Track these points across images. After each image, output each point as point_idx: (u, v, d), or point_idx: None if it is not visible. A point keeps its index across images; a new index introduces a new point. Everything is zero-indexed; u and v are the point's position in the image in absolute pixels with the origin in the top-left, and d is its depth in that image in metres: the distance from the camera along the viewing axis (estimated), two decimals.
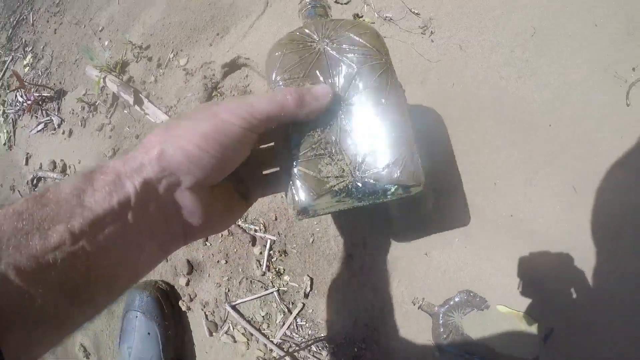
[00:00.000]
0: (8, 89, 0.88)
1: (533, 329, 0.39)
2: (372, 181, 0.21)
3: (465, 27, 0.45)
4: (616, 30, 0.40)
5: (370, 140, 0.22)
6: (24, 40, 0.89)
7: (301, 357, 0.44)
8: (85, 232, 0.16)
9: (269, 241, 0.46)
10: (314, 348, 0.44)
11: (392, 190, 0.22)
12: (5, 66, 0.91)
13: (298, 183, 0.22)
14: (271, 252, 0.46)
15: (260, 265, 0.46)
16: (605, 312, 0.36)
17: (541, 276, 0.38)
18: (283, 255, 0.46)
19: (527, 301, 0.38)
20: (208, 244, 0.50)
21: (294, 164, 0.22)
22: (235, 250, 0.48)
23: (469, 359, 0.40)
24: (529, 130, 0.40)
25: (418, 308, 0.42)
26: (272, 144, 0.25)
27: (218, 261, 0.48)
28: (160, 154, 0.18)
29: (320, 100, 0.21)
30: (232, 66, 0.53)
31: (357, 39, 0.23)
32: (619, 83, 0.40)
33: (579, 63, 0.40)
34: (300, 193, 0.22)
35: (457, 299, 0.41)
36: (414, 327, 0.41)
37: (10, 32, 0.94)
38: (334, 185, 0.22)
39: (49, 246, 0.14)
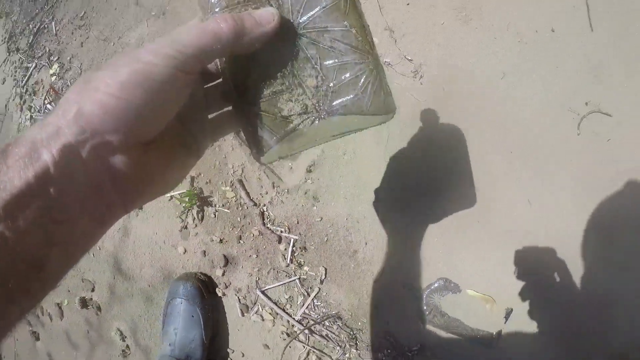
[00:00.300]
0: (34, 95, 0.95)
1: (497, 309, 0.53)
2: (339, 116, 0.19)
3: (448, 72, 0.58)
4: (574, 71, 0.53)
5: (332, 68, 0.19)
6: (47, 49, 0.96)
7: (317, 330, 0.58)
8: (0, 217, 0.14)
9: (292, 240, 0.59)
10: (326, 323, 0.57)
11: (363, 120, 0.20)
12: (29, 72, 0.98)
13: (257, 127, 0.19)
14: (294, 248, 0.59)
15: (285, 258, 0.59)
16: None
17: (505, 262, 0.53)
18: (303, 251, 0.59)
19: (491, 286, 0.53)
20: (242, 241, 0.62)
21: (249, 105, 0.19)
22: (264, 247, 0.61)
23: (446, 331, 0.54)
24: (495, 154, 0.54)
25: (407, 290, 0.56)
26: (219, 80, 0.22)
27: (250, 255, 0.61)
28: (77, 112, 0.15)
29: (264, 25, 0.18)
30: None
31: None
32: (572, 115, 0.53)
33: (539, 100, 0.53)
34: (261, 137, 0.19)
35: (436, 285, 0.55)
36: (404, 305, 0.55)
37: (31, 39, 1.00)
38: (299, 124, 0.19)
39: None
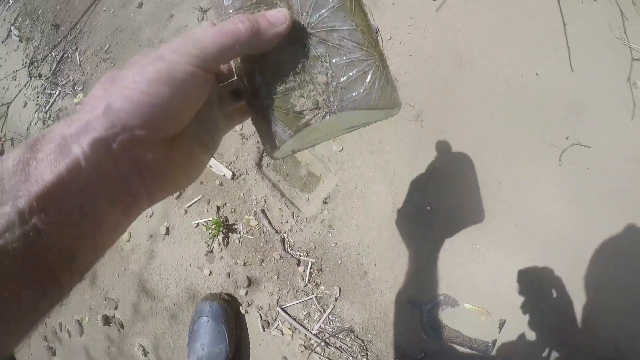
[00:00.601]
0: (57, 121, 1.02)
1: (491, 320, 0.62)
2: (349, 110, 0.20)
3: (446, 116, 0.69)
4: (556, 108, 0.63)
5: (341, 65, 0.20)
6: (71, 78, 1.03)
7: (331, 343, 0.66)
8: (34, 209, 0.14)
9: (309, 263, 0.68)
10: (340, 336, 0.66)
11: (371, 114, 0.22)
12: (53, 99, 1.05)
13: (271, 122, 0.21)
14: (311, 270, 0.68)
15: (303, 279, 0.68)
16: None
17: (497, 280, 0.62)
18: (320, 272, 0.68)
19: (486, 300, 0.62)
20: (264, 264, 0.71)
21: (263, 102, 0.21)
22: (284, 269, 0.69)
23: (446, 341, 0.63)
24: (484, 186, 0.65)
25: (411, 306, 0.65)
26: (233, 79, 0.23)
27: (271, 277, 0.70)
28: (106, 108, 0.16)
29: (277, 25, 0.20)
30: None
31: None
32: (554, 149, 0.64)
33: (524, 135, 0.64)
34: (275, 132, 0.21)
35: (437, 300, 0.65)
36: (408, 319, 0.64)
37: (54, 67, 1.07)
38: (311, 119, 0.20)
39: None
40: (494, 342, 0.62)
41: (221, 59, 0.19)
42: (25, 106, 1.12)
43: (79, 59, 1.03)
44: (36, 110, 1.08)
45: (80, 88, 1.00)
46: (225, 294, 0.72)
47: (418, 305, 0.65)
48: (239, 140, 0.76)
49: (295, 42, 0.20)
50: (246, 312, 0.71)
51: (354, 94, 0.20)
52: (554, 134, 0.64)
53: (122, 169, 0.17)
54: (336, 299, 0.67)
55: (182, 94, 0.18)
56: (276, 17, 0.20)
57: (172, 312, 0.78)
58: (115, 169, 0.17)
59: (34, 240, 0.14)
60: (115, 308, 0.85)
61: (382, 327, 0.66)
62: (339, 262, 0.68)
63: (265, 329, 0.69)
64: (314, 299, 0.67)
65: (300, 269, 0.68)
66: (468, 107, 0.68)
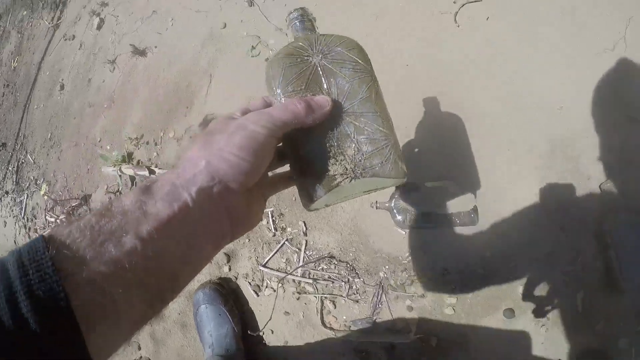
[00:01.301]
0: (35, 218, 1.20)
1: (460, 190, 0.66)
2: (369, 177, 0.28)
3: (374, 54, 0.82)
4: None
5: (365, 142, 0.28)
6: (31, 177, 1.23)
7: (319, 277, 0.74)
8: (153, 237, 0.20)
9: (269, 212, 0.78)
10: (324, 266, 0.74)
11: (385, 181, 0.29)
12: (24, 204, 1.24)
13: (310, 181, 0.28)
14: (273, 218, 0.78)
15: (270, 229, 0.78)
16: None
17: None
18: (281, 216, 0.78)
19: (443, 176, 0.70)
20: None
21: (305, 166, 0.28)
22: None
23: (425, 225, 0.68)
24: (398, 69, 0.75)
25: (376, 209, 0.73)
26: (279, 144, 0.30)
27: (243, 243, 0.80)
28: (207, 165, 0.23)
29: (323, 108, 0.27)
30: (205, 122, 0.90)
31: (347, 54, 0.30)
32: (446, 15, 0.73)
33: (419, 15, 0.73)
34: (312, 190, 0.28)
35: (398, 193, 0.72)
36: (380, 221, 0.72)
37: (16, 177, 1.28)
38: (340, 182, 0.27)
39: (124, 251, 0.19)
40: (475, 208, 0.65)
41: (285, 129, 0.26)
42: (5, 226, 1.30)
43: (32, 158, 1.24)
44: (15, 222, 1.27)
45: (42, 180, 1.19)
46: (216, 278, 0.82)
47: (382, 205, 0.73)
48: (175, 144, 0.91)
49: (332, 121, 0.28)
50: (237, 286, 0.80)
51: (374, 164, 0.28)
52: (440, 4, 0.74)
53: (217, 212, 0.24)
54: (305, 234, 0.76)
55: (259, 154, 0.25)
56: (322, 102, 0.28)
57: (181, 322, 0.87)
58: (213, 211, 0.23)
59: (150, 260, 0.20)
60: (139, 349, 0.95)
61: (358, 240, 0.74)
62: (293, 199, 0.78)
63: (259, 293, 0.78)
64: (286, 242, 0.77)
65: (264, 222, 0.79)
66: (385, 36, 0.80)
